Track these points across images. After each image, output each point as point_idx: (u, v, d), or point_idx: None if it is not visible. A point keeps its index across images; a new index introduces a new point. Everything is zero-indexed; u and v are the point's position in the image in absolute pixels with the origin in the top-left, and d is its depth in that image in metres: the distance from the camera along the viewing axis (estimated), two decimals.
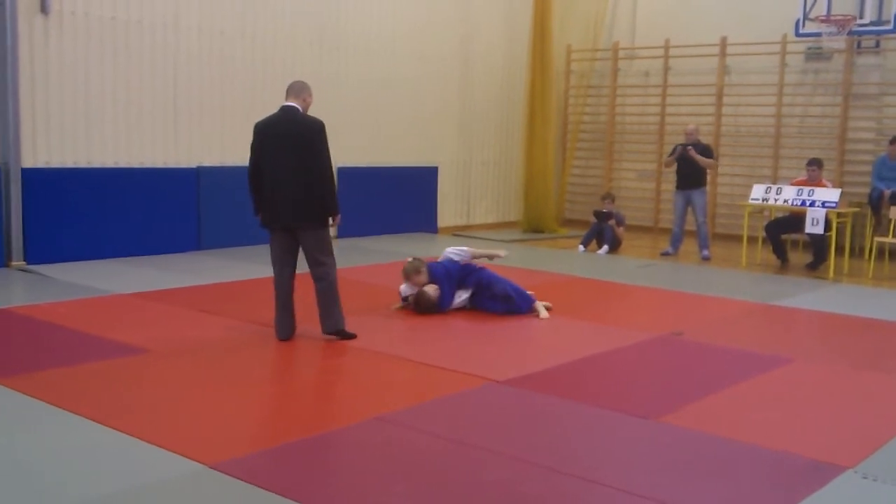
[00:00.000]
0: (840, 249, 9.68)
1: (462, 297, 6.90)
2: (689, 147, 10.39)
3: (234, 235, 9.40)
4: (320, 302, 5.84)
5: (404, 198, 11.83)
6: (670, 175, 11.47)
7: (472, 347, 6.04)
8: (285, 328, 5.84)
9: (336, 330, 5.85)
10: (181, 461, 3.66)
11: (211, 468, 3.58)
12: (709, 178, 10.96)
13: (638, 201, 13.32)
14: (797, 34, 11.73)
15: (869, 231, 10.48)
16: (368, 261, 9.14)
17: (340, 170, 10.96)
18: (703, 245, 10.53)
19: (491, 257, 7.54)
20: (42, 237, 8.28)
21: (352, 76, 11.03)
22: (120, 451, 3.80)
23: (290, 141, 5.69)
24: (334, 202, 5.78)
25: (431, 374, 5.14)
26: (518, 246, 11.48)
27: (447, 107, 12.42)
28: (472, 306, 6.94)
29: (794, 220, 9.79)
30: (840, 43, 11.44)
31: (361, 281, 7.95)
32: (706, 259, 10.39)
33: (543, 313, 6.80)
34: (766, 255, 10.28)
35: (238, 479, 3.49)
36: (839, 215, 9.45)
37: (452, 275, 6.92)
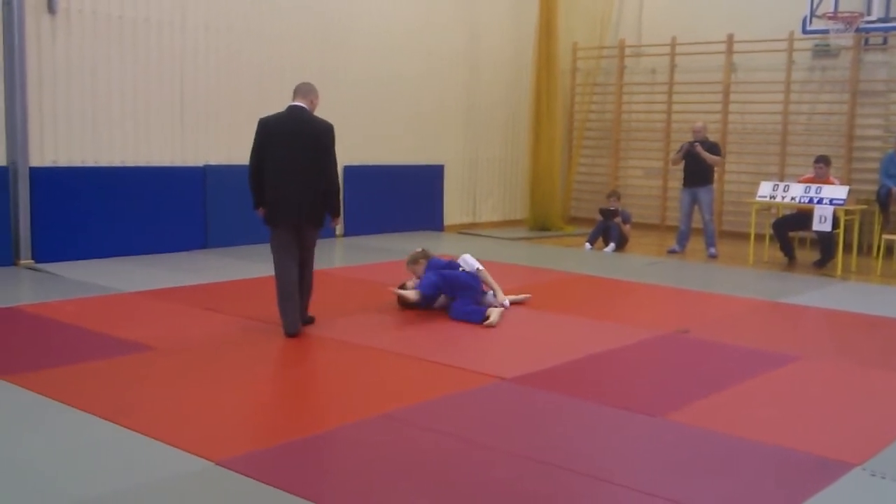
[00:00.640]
0: (848, 247, 9.64)
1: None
2: (697, 143, 10.37)
3: (241, 234, 9.41)
4: (305, 296, 6.04)
5: (410, 196, 11.83)
6: (677, 172, 11.44)
7: (478, 345, 6.04)
8: (295, 322, 5.83)
9: (305, 324, 6.02)
10: (188, 458, 3.67)
11: (217, 465, 3.59)
12: (716, 175, 10.93)
13: (644, 199, 13.29)
14: (804, 31, 11.67)
15: (877, 228, 10.44)
16: (373, 259, 9.14)
17: (346, 168, 10.98)
18: (710, 243, 10.51)
19: (494, 295, 6.96)
20: (50, 236, 8.30)
21: (358, 74, 11.03)
22: (126, 448, 3.81)
23: (300, 140, 5.75)
24: (338, 204, 5.97)
25: (438, 372, 5.14)
26: (524, 244, 11.48)
27: (453, 105, 12.41)
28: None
29: (801, 217, 9.75)
30: (847, 40, 11.38)
31: (366, 279, 7.96)
32: (713, 257, 10.36)
33: (494, 318, 6.43)
34: (773, 252, 10.25)
35: (244, 475, 3.49)
36: (847, 213, 9.41)
37: (448, 280, 6.69)
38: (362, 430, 4.08)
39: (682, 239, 10.70)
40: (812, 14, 11.43)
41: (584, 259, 10.14)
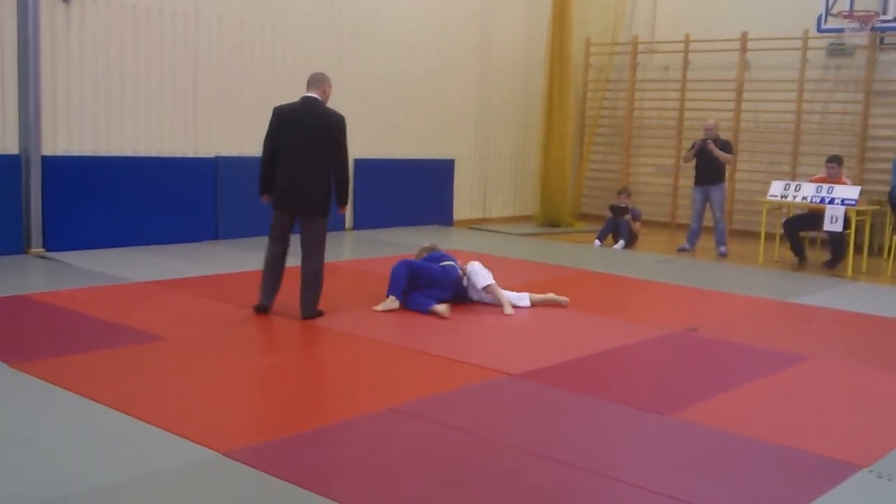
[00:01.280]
0: (859, 248, 9.60)
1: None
2: (709, 141, 10.33)
3: (252, 226, 9.41)
4: (304, 288, 6.06)
5: (420, 190, 11.83)
6: (688, 170, 11.40)
7: (485, 340, 6.05)
8: (269, 295, 6.11)
9: (310, 316, 6.08)
10: (195, 448, 3.69)
11: (224, 455, 3.61)
12: (727, 173, 10.89)
13: (655, 196, 13.26)
14: (819, 30, 11.62)
15: (888, 229, 10.37)
16: (382, 252, 9.15)
17: (357, 161, 11.00)
18: (720, 241, 10.48)
19: (501, 304, 6.74)
20: (61, 224, 8.34)
21: (370, 68, 11.03)
22: (134, 437, 3.84)
23: (312, 130, 5.89)
24: (347, 192, 6.07)
25: (444, 366, 5.15)
26: (534, 240, 11.47)
27: (465, 99, 12.39)
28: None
29: (812, 217, 9.71)
30: (862, 39, 11.32)
31: (375, 272, 7.95)
32: (723, 255, 10.33)
33: (441, 310, 6.38)
34: (783, 252, 10.21)
35: (251, 466, 3.51)
36: (858, 213, 9.37)
37: (417, 271, 6.62)
38: (369, 423, 4.09)
39: (693, 237, 10.67)
40: (827, 13, 11.36)
41: (594, 256, 10.12)
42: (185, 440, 3.76)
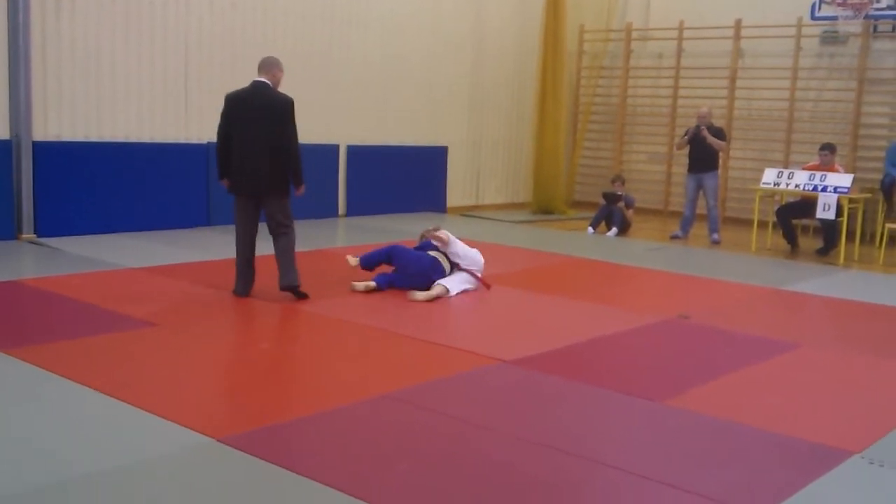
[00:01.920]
0: (851, 235, 9.63)
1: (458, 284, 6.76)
2: (703, 128, 10.33)
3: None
4: (280, 260, 6.21)
5: (413, 177, 11.81)
6: (681, 158, 11.41)
7: (478, 327, 6.05)
8: (246, 285, 6.26)
9: (291, 286, 6.19)
10: (189, 434, 3.68)
11: (219, 441, 3.60)
12: (721, 161, 10.90)
13: (648, 183, 13.27)
14: (813, 17, 11.62)
15: (881, 217, 10.42)
16: (375, 239, 9.12)
17: (350, 148, 10.97)
18: (714, 229, 10.50)
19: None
20: (52, 210, 8.30)
21: (362, 53, 10.98)
22: (128, 423, 3.83)
23: (262, 115, 6.07)
24: (300, 172, 6.20)
25: (438, 353, 5.15)
26: (527, 227, 11.47)
27: (458, 86, 12.36)
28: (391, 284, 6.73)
29: (805, 205, 9.74)
30: (856, 27, 11.32)
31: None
32: (716, 243, 10.36)
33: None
34: (776, 239, 10.24)
35: (245, 452, 3.51)
36: (851, 201, 9.40)
37: (397, 254, 6.75)
38: (363, 410, 4.09)
39: (686, 224, 10.69)
40: (821, 0, 11.36)
41: (587, 243, 10.13)
42: (179, 426, 3.75)
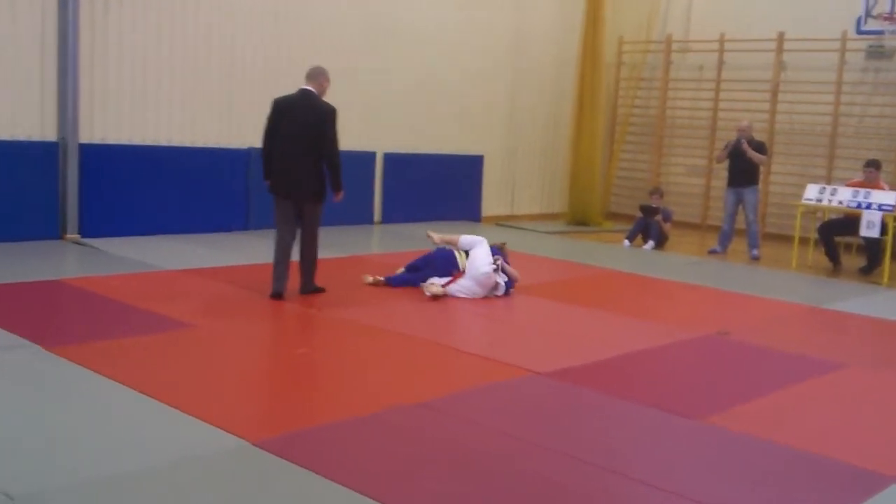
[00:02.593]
0: (895, 254, 9.44)
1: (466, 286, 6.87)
2: (743, 141, 10.21)
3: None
4: (303, 268, 6.53)
5: (449, 186, 11.81)
6: (720, 171, 11.28)
7: (512, 337, 6.03)
8: (281, 283, 6.42)
9: (309, 292, 6.54)
10: (224, 436, 3.71)
11: (252, 444, 3.63)
12: (761, 176, 10.76)
13: (686, 197, 13.14)
14: (858, 31, 11.44)
15: None
16: (409, 247, 9.14)
17: (386, 156, 11.03)
18: (753, 244, 10.36)
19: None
20: (96, 211, 8.44)
21: (402, 63, 11.02)
22: (165, 423, 3.87)
23: (304, 121, 6.28)
24: (340, 179, 6.43)
25: (471, 363, 5.14)
26: (562, 237, 11.42)
27: (496, 95, 12.35)
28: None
29: (848, 222, 9.56)
30: None
31: (402, 266, 7.95)
32: (755, 259, 10.22)
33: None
34: (817, 257, 10.07)
35: (279, 456, 3.52)
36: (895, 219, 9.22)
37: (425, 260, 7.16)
38: (398, 417, 4.09)
39: (725, 239, 10.56)
40: (867, 14, 11.20)
41: (623, 256, 10.05)
42: (214, 427, 3.79)
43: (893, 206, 9.09)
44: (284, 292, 6.38)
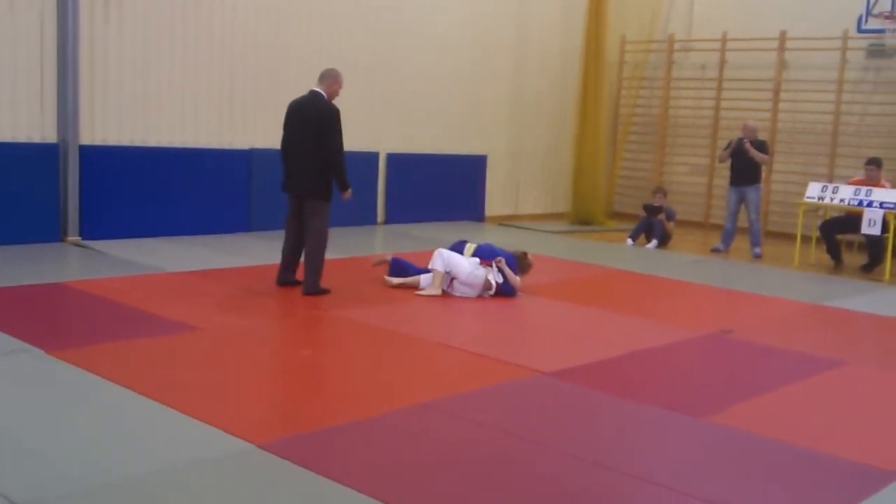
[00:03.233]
0: None
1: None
2: (745, 140, 10.20)
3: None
4: (304, 263, 6.63)
5: (452, 185, 11.81)
6: (723, 170, 11.27)
7: (517, 337, 6.03)
8: (283, 274, 6.73)
9: (311, 293, 6.55)
10: (229, 439, 3.70)
11: (259, 447, 3.62)
12: (763, 174, 10.75)
13: (689, 196, 13.13)
14: (859, 30, 11.43)
15: None
16: (413, 247, 9.14)
17: (389, 156, 11.02)
18: (755, 243, 10.35)
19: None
20: (97, 213, 8.44)
21: (405, 63, 11.03)
22: (169, 427, 3.86)
23: (308, 122, 6.47)
24: (343, 179, 6.56)
25: (475, 363, 5.14)
26: (565, 237, 11.41)
27: (499, 95, 12.35)
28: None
29: (849, 220, 9.55)
30: None
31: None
32: (757, 257, 10.21)
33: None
34: (819, 255, 10.06)
35: (285, 458, 3.52)
36: None
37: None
38: (403, 419, 4.09)
39: (727, 238, 10.55)
40: (868, 13, 11.19)
41: (626, 255, 10.05)
42: (219, 430, 3.78)
43: (895, 203, 9.07)
44: (289, 283, 6.70)
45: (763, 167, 10.58)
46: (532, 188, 13.19)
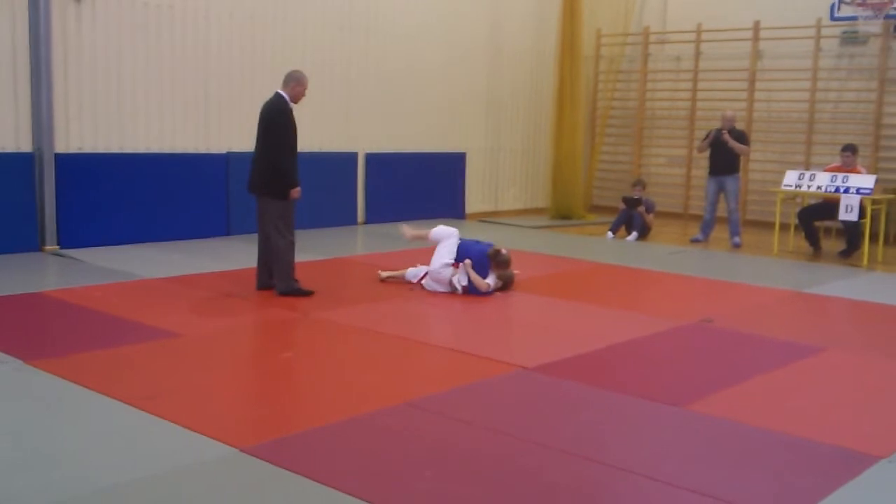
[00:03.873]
0: (874, 237, 9.53)
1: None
2: (724, 132, 10.26)
3: None
4: (272, 266, 6.64)
5: (432, 184, 11.81)
6: (701, 161, 11.34)
7: (499, 333, 6.04)
8: (263, 279, 6.73)
9: (283, 293, 6.56)
10: (213, 444, 3.69)
11: (242, 451, 3.61)
12: (741, 164, 10.82)
13: (668, 187, 13.20)
14: (832, 18, 11.52)
15: None
16: (393, 247, 9.14)
17: (368, 156, 11.00)
18: (735, 232, 10.42)
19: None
20: (75, 222, 8.37)
21: (380, 61, 11.01)
22: (150, 434, 3.84)
23: (260, 123, 6.62)
24: (285, 177, 6.50)
25: (459, 360, 5.14)
26: (546, 232, 11.44)
27: (475, 92, 12.36)
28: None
29: (827, 206, 9.64)
30: (876, 27, 11.23)
31: (387, 266, 7.94)
32: (737, 246, 10.28)
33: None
34: (798, 242, 10.15)
35: (269, 462, 3.51)
36: (874, 202, 9.30)
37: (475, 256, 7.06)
38: (386, 418, 4.09)
39: (706, 228, 10.62)
40: (840, 1, 11.27)
41: (606, 248, 10.09)
42: (202, 436, 3.77)
43: (871, 189, 9.17)
44: (268, 286, 6.69)
45: (741, 157, 10.65)
46: (511, 184, 13.22)
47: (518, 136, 13.14)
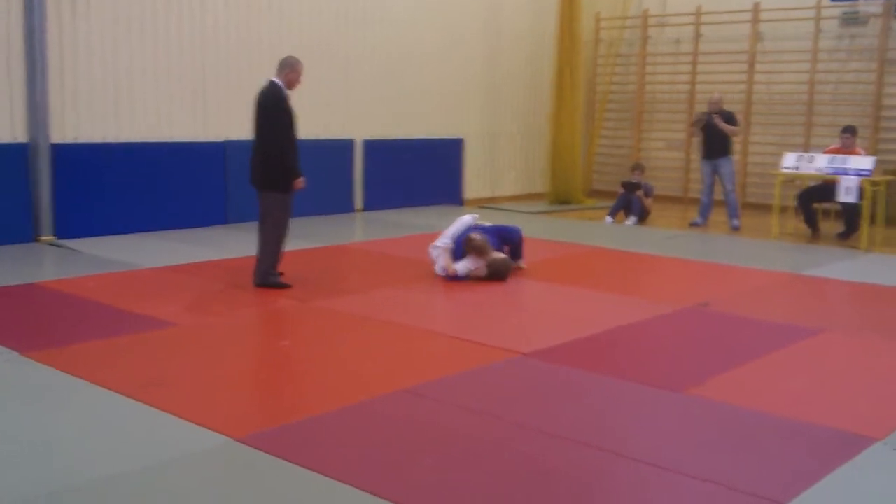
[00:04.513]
0: (873, 218, 9.49)
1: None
2: (713, 116, 10.23)
3: None
4: (258, 253, 6.55)
5: (430, 170, 11.77)
6: (700, 144, 11.29)
7: (496, 319, 6.02)
8: (256, 274, 6.54)
9: (261, 285, 6.45)
10: (209, 434, 3.68)
11: (239, 441, 3.61)
12: (738, 146, 10.78)
13: (667, 171, 13.16)
14: None
15: None
16: (392, 233, 9.13)
17: (366, 143, 10.96)
18: (733, 214, 10.40)
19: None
20: (71, 212, 8.35)
21: (378, 47, 10.95)
22: (148, 424, 3.84)
23: (256, 112, 6.44)
24: (285, 168, 6.36)
25: (457, 347, 5.13)
26: (545, 217, 11.41)
27: (473, 77, 12.29)
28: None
29: (826, 188, 9.60)
30: (876, 7, 11.15)
31: (386, 253, 7.94)
32: (736, 229, 10.25)
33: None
34: (797, 224, 10.12)
35: (266, 452, 3.50)
36: (873, 184, 9.25)
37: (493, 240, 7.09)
38: (383, 406, 4.08)
39: (705, 211, 10.59)
40: None
41: (605, 232, 10.06)
42: (199, 426, 3.76)
43: (870, 170, 9.13)
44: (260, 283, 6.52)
45: (734, 138, 10.60)
46: (510, 169, 13.17)
47: (516, 121, 13.08)
